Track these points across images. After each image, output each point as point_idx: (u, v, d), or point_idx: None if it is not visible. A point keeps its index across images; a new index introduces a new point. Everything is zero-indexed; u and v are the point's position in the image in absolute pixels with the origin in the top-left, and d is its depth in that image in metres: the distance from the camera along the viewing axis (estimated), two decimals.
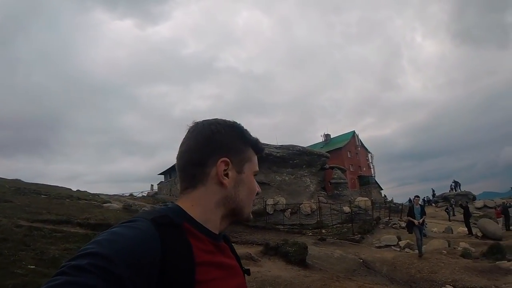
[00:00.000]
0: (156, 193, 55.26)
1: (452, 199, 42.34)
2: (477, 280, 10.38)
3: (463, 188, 51.59)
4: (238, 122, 1.13)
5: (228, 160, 1.03)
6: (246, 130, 1.13)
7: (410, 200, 44.37)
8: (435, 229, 24.08)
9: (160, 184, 62.00)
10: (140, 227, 0.83)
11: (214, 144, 1.03)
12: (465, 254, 14.09)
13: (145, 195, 50.85)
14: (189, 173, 1.04)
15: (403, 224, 25.08)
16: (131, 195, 46.57)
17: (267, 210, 27.28)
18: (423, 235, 13.31)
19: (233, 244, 1.18)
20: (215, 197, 1.02)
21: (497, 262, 11.91)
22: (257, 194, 1.15)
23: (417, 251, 14.74)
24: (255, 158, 1.14)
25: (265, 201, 27.81)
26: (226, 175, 1.03)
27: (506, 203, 30.91)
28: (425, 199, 47.26)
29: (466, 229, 22.40)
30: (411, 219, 13.06)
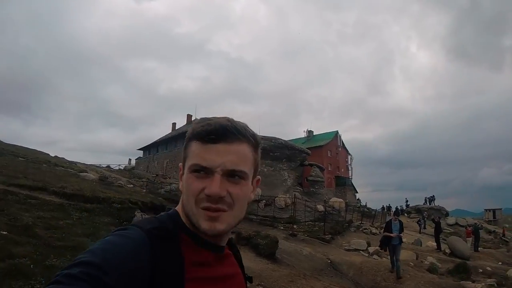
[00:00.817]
0: (133, 168, 54.94)
1: (425, 212, 42.92)
2: None
3: (437, 202, 52.38)
4: (202, 118, 1.02)
5: (180, 164, 0.99)
6: (197, 123, 0.97)
7: (383, 208, 44.81)
8: (404, 240, 24.27)
9: (138, 159, 61.67)
10: (132, 237, 0.83)
11: None
12: (432, 269, 14.25)
13: (122, 168, 50.57)
14: None
15: (374, 230, 25.37)
16: (108, 166, 46.31)
17: None
18: (398, 255, 11.81)
19: None
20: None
21: (462, 282, 12.05)
22: (209, 197, 0.89)
23: (385, 259, 14.80)
24: (194, 151, 0.93)
25: None
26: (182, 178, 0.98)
27: (477, 224, 31.52)
28: (398, 208, 47.72)
29: (435, 243, 22.68)
30: (387, 233, 11.92)
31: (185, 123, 56.28)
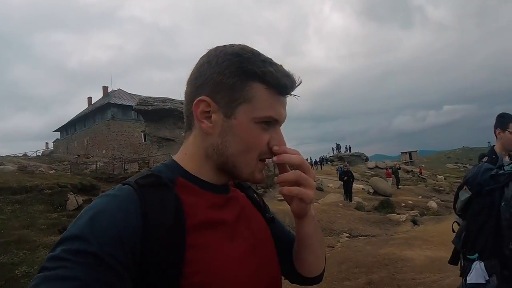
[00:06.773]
0: (51, 152, 51.68)
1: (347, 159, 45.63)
2: (370, 229, 11.58)
3: (358, 149, 56.51)
4: (251, 48, 0.83)
5: (208, 100, 0.80)
6: (256, 58, 0.80)
7: (317, 162, 46.36)
8: (331, 185, 25.77)
9: (56, 141, 57.69)
10: (119, 194, 0.74)
11: (200, 78, 0.83)
12: (359, 207, 15.57)
13: (40, 154, 47.64)
14: (184, 113, 0.89)
15: None
16: (24, 155, 43.41)
17: None
18: None
19: None
20: (203, 144, 0.85)
21: (388, 215, 13.38)
22: (274, 154, 0.85)
23: (316, 203, 15.66)
24: (265, 99, 0.81)
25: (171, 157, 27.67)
26: (208, 118, 0.82)
27: (396, 165, 33.99)
28: (323, 157, 50.33)
29: (359, 186, 24.19)
30: None
31: (102, 96, 51.76)
